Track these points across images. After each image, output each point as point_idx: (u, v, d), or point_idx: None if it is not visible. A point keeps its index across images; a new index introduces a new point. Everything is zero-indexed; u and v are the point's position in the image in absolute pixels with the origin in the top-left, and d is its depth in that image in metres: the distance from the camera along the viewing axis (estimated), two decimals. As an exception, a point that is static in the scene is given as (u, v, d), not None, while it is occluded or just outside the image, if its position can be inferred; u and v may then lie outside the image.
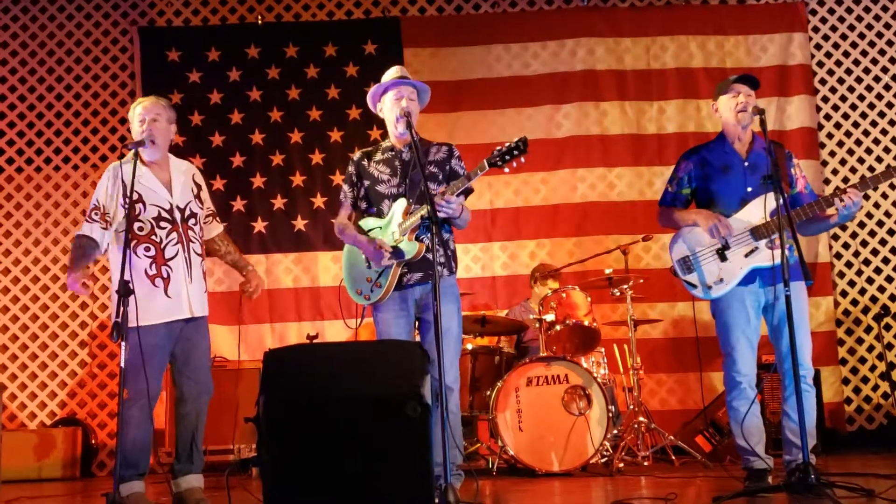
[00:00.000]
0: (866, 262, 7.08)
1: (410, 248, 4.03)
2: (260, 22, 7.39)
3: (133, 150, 3.97)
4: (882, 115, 7.23)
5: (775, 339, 4.05)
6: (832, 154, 7.22)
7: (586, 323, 5.61)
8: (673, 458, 5.57)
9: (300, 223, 7.12)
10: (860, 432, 6.83)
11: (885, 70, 7.28)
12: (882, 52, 7.29)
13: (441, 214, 3.89)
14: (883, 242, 7.08)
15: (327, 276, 7.03)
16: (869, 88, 7.27)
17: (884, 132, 7.21)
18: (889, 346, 6.91)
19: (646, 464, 5.53)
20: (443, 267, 4.10)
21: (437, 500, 3.05)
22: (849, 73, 7.29)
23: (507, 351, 5.92)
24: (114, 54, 7.28)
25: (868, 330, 6.98)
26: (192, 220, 4.15)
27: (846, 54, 7.32)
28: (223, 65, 7.28)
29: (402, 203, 4.12)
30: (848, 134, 7.23)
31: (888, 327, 6.96)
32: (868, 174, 6.96)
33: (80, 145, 7.15)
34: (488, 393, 5.52)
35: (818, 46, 7.34)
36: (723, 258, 4.08)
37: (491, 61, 7.32)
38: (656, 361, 6.81)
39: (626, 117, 7.26)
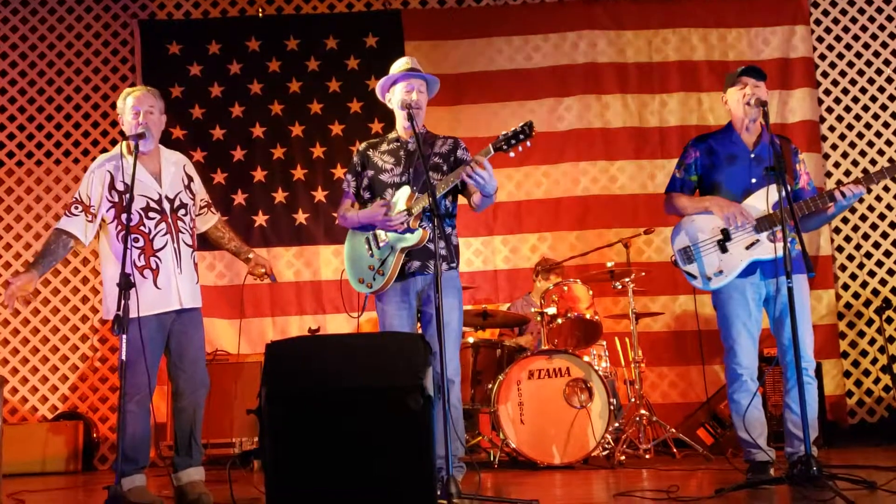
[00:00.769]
0: (868, 256, 7.07)
1: (414, 235, 4.02)
2: (260, 14, 7.38)
3: (133, 144, 3.94)
4: (884, 107, 7.21)
5: (777, 331, 4.04)
6: (834, 147, 7.20)
7: (588, 316, 5.61)
8: (674, 450, 5.57)
9: (301, 217, 7.12)
10: (862, 425, 6.83)
11: (887, 63, 7.26)
12: (884, 45, 7.27)
13: (474, 182, 3.86)
14: (885, 236, 7.07)
15: (329, 269, 7.03)
16: (871, 81, 7.25)
17: (886, 125, 7.19)
18: (891, 339, 6.90)
19: (647, 457, 5.54)
20: (443, 260, 4.10)
21: (438, 492, 3.05)
22: (851, 65, 7.27)
23: (508, 344, 5.92)
24: (114, 47, 7.27)
25: (870, 323, 6.98)
26: (181, 211, 4.12)
27: (848, 47, 7.30)
28: (224, 58, 7.27)
29: (405, 191, 4.11)
30: (850, 127, 7.22)
31: (890, 320, 6.95)
32: (870, 167, 7.01)
33: (80, 139, 7.14)
34: (490, 386, 5.52)
35: (820, 39, 7.32)
36: (723, 249, 4.07)
37: (493, 54, 7.30)
38: (658, 354, 6.81)
39: (628, 110, 7.24)
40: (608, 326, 6.22)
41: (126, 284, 3.55)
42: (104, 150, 7.00)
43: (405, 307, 4.13)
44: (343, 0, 7.46)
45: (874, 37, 7.29)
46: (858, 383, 6.93)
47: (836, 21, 7.33)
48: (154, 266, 3.99)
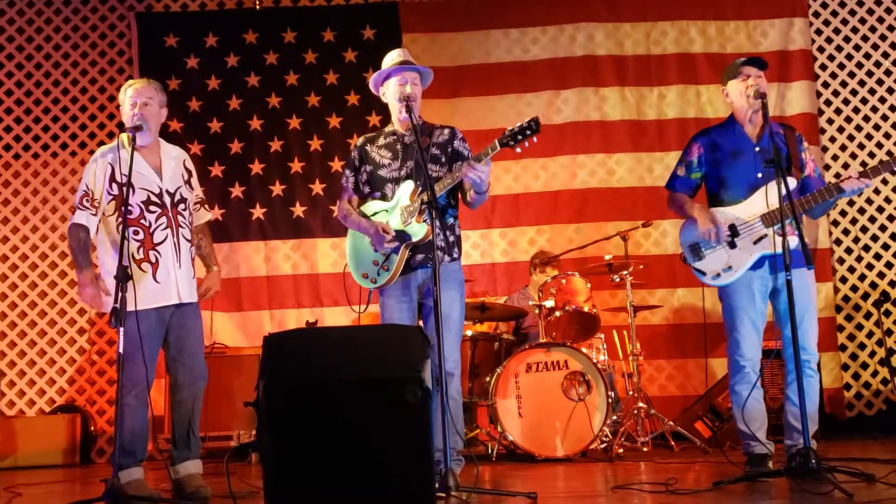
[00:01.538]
0: (866, 248, 7.06)
1: (419, 230, 4.01)
2: (258, 7, 7.35)
3: (129, 135, 3.92)
4: (883, 100, 7.20)
5: (782, 324, 4.02)
6: (832, 140, 7.19)
7: (586, 309, 5.61)
8: (672, 443, 5.58)
9: (299, 210, 7.10)
10: (859, 418, 6.84)
11: (885, 55, 7.24)
12: (883, 38, 7.26)
13: (471, 181, 3.87)
14: (883, 228, 7.07)
15: (326, 262, 7.02)
16: (870, 74, 7.24)
17: (884, 118, 7.18)
18: (888, 332, 6.91)
19: (645, 449, 5.54)
20: (444, 252, 4.09)
21: (437, 485, 3.05)
22: (849, 58, 7.26)
23: (506, 337, 5.92)
24: (111, 40, 7.24)
25: (867, 316, 6.98)
26: (181, 206, 4.11)
27: (847, 39, 7.28)
28: (221, 50, 7.24)
29: (409, 185, 4.10)
30: (848, 119, 7.21)
31: (888, 313, 6.95)
32: (868, 160, 7.01)
33: (77, 131, 7.12)
34: (488, 379, 5.52)
35: (819, 31, 7.30)
36: (732, 245, 4.06)
37: (490, 47, 7.29)
38: (656, 347, 6.80)
39: (626, 103, 7.23)
40: (606, 319, 6.22)
41: (123, 277, 3.54)
42: (101, 143, 6.98)
43: (406, 300, 4.12)
44: (341, -8, 7.44)
45: (873, 29, 7.28)
46: (856, 376, 6.94)
47: (834, 13, 7.31)
48: (153, 260, 3.98)
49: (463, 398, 5.30)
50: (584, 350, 5.51)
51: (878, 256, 7.05)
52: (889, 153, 7.05)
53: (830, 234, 7.06)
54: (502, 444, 5.43)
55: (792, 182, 3.97)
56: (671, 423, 5.64)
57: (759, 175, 4.05)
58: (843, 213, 7.07)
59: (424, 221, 4.00)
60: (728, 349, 4.12)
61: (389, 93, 4.20)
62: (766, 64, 4.17)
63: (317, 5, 7.42)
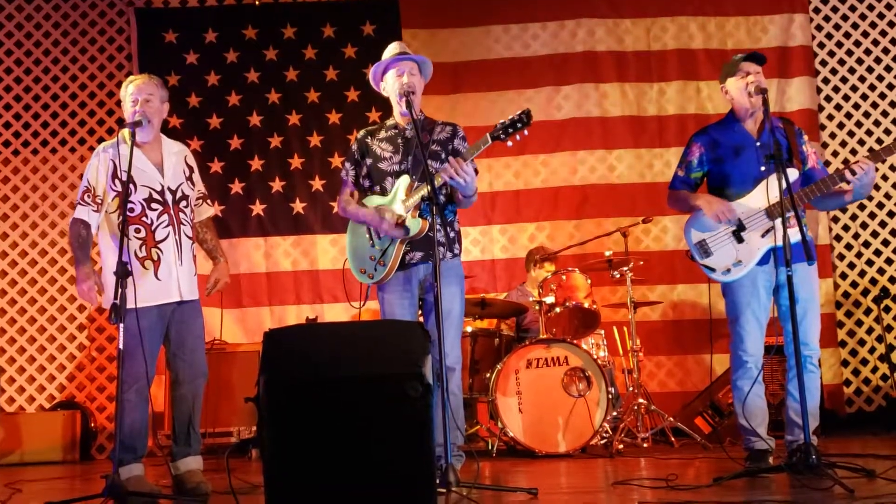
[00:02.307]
0: (866, 245, 7.07)
1: (414, 225, 4.00)
2: (257, 2, 7.34)
3: (129, 131, 3.91)
4: (883, 96, 7.20)
5: (784, 320, 4.01)
6: (832, 136, 7.19)
7: (586, 305, 5.61)
8: (672, 439, 5.58)
9: (299, 206, 7.10)
10: (859, 414, 6.84)
11: (885, 51, 7.24)
12: (883, 34, 7.25)
13: (455, 184, 3.85)
14: (883, 224, 7.07)
15: (326, 258, 7.02)
16: (870, 70, 7.23)
17: (884, 114, 7.18)
18: (888, 328, 6.91)
19: (645, 445, 5.54)
20: (445, 248, 4.08)
21: (437, 481, 3.04)
22: (849, 54, 7.26)
23: (506, 333, 5.92)
24: (110, 35, 7.23)
25: (867, 312, 6.98)
26: (183, 203, 4.11)
27: (847, 35, 7.27)
28: (220, 46, 7.24)
29: (405, 180, 4.09)
30: (848, 116, 7.20)
31: (887, 309, 6.95)
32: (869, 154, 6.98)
33: (76, 127, 7.11)
34: (488, 375, 5.52)
35: (819, 27, 7.30)
36: (739, 240, 4.05)
37: (490, 42, 7.28)
38: (656, 343, 6.81)
39: (627, 99, 7.22)
40: (606, 315, 6.22)
41: (123, 273, 3.53)
42: (101, 139, 6.97)
43: (407, 296, 4.11)
44: (340, -12, 7.43)
45: (873, 25, 7.27)
46: (856, 372, 6.94)
47: (834, 9, 7.30)
48: (155, 257, 3.97)
49: (463, 394, 5.31)
50: (584, 346, 5.51)
51: (877, 252, 7.05)
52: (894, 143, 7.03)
53: (830, 230, 7.06)
54: (503, 439, 5.43)
55: (793, 174, 3.96)
56: (671, 418, 5.64)
57: (763, 169, 4.04)
58: (843, 210, 7.07)
59: (420, 216, 3.99)
60: (731, 344, 4.11)
61: (388, 86, 4.19)
62: (764, 59, 4.16)
63: (316, 1, 7.40)
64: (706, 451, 5.26)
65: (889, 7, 7.27)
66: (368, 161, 4.23)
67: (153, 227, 3.99)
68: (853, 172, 3.87)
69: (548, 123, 7.11)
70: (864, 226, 7.08)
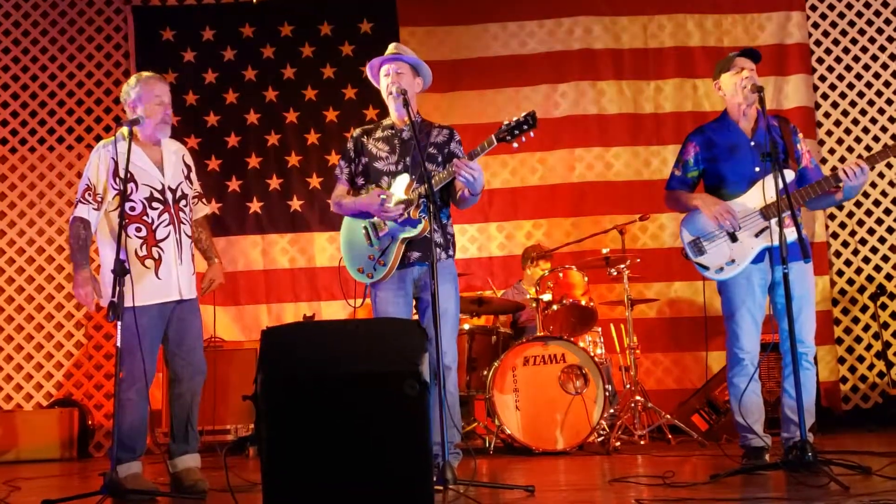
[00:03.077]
0: (862, 242, 7.08)
1: (417, 226, 4.00)
2: (255, 0, 7.33)
3: (128, 129, 3.91)
4: (879, 94, 7.21)
5: (780, 317, 4.03)
6: (829, 133, 7.20)
7: (583, 303, 5.61)
8: (669, 436, 5.59)
9: (296, 203, 7.10)
10: (855, 411, 6.86)
11: (882, 49, 7.24)
12: (880, 31, 7.26)
13: (463, 180, 3.84)
14: (879, 222, 7.08)
15: (324, 256, 7.02)
16: (866, 67, 7.24)
17: (881, 111, 7.19)
18: (885, 326, 6.92)
19: (642, 443, 5.55)
20: (441, 249, 4.09)
21: (434, 478, 3.05)
22: (846, 51, 7.26)
23: (503, 331, 5.93)
24: (108, 33, 7.23)
25: (864, 309, 7.00)
26: (182, 202, 4.11)
27: (844, 33, 7.28)
28: (217, 44, 7.23)
29: (404, 179, 4.09)
30: (845, 113, 7.21)
31: (884, 306, 6.97)
32: (865, 154, 7.00)
33: (74, 125, 7.11)
34: (485, 372, 5.53)
35: (815, 25, 7.30)
36: (733, 239, 4.05)
37: (488, 40, 7.28)
38: (653, 341, 6.82)
39: (624, 96, 7.23)
40: (603, 313, 6.22)
41: (121, 271, 3.54)
42: (98, 137, 6.97)
43: (402, 295, 4.12)
44: (337, -14, 7.42)
45: (870, 23, 7.27)
46: (853, 369, 6.96)
47: (831, 7, 7.31)
48: (156, 256, 3.98)
49: (461, 392, 5.31)
50: (581, 343, 5.52)
51: (874, 250, 7.06)
52: (886, 146, 7.04)
53: (827, 227, 7.07)
54: (500, 437, 5.44)
55: (789, 174, 3.97)
56: (668, 416, 5.65)
57: (757, 169, 4.05)
58: (840, 207, 7.08)
59: (421, 217, 4.00)
60: (727, 342, 4.12)
61: (382, 86, 4.21)
62: (759, 56, 4.17)
63: (314, -1, 7.40)
64: (703, 448, 5.27)
65: (885, 4, 7.27)
66: (364, 160, 4.23)
67: (154, 227, 3.99)
68: (846, 174, 3.88)
69: (545, 121, 7.07)
70: (860, 223, 7.09)
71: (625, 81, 7.24)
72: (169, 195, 4.05)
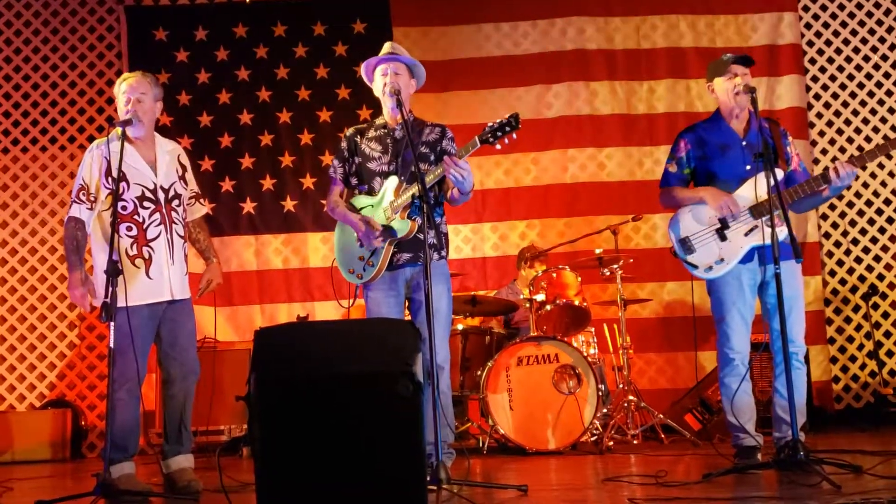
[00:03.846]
0: (855, 242, 7.10)
1: (402, 227, 4.01)
2: (248, 0, 7.32)
3: (120, 129, 3.91)
4: (871, 94, 7.24)
5: (770, 317, 4.04)
6: (821, 134, 7.22)
7: (577, 303, 5.62)
8: (662, 436, 5.60)
9: (289, 204, 7.10)
10: (848, 410, 6.88)
11: (874, 49, 7.27)
12: (872, 32, 7.29)
13: (452, 178, 3.85)
14: (871, 222, 7.11)
15: (317, 257, 7.02)
16: (858, 68, 7.27)
17: (873, 112, 7.22)
18: (877, 325, 6.95)
19: (635, 442, 5.56)
20: (433, 250, 4.09)
21: (428, 478, 3.06)
22: (838, 52, 7.29)
23: (497, 331, 5.93)
24: (100, 33, 7.21)
25: (856, 309, 7.02)
26: (175, 202, 4.10)
27: (836, 34, 7.31)
28: (210, 44, 7.23)
29: (393, 181, 4.10)
30: (837, 114, 7.24)
31: (876, 306, 6.99)
32: (857, 153, 7.03)
33: (66, 125, 7.09)
34: (479, 373, 5.53)
35: (808, 26, 7.33)
36: (723, 237, 4.07)
37: (481, 40, 7.29)
38: (646, 341, 6.83)
39: (617, 97, 7.24)
40: (597, 313, 6.23)
41: (113, 272, 3.53)
42: (91, 137, 6.96)
43: (394, 295, 4.12)
44: (331, -14, 7.42)
45: (862, 24, 7.30)
46: (845, 369, 6.98)
47: (823, 8, 7.34)
48: (147, 256, 3.96)
49: (454, 392, 5.33)
50: (574, 343, 5.53)
51: (866, 250, 7.09)
52: (877, 145, 7.07)
53: (819, 227, 7.10)
54: (493, 437, 5.45)
55: (779, 174, 3.98)
56: (661, 415, 5.67)
57: (748, 168, 4.06)
58: (832, 207, 7.11)
59: (409, 217, 4.00)
60: (717, 342, 4.13)
61: (376, 86, 4.21)
62: (752, 62, 4.18)
63: (307, -1, 7.40)
64: (696, 447, 5.28)
65: (877, 6, 7.30)
66: (357, 160, 4.24)
67: (145, 226, 3.98)
68: (837, 174, 3.89)
69: (538, 122, 7.12)
70: (852, 223, 7.12)
71: (618, 82, 7.26)
72: (161, 195, 4.04)
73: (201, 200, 4.36)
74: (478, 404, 5.55)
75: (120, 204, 3.88)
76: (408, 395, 2.75)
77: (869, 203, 7.13)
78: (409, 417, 2.78)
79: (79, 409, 6.63)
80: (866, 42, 7.28)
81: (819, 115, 7.24)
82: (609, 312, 6.47)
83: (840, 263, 7.09)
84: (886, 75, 7.23)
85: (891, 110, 7.20)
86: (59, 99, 7.11)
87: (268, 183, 7.11)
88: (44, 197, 6.98)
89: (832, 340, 7.00)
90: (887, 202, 7.11)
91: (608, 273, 5.87)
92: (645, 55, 7.28)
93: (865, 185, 7.13)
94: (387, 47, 4.25)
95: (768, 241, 3.70)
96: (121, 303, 3.66)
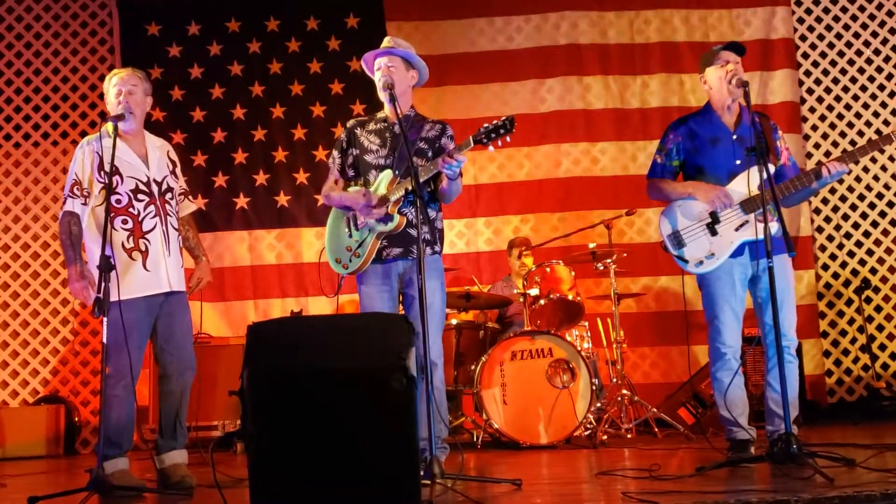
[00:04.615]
0: (847, 236, 7.12)
1: (391, 221, 4.01)
2: (240, -6, 7.31)
3: (112, 124, 3.90)
4: (864, 89, 7.25)
5: (761, 311, 4.05)
6: (814, 128, 7.24)
7: (570, 297, 5.63)
8: (656, 430, 5.61)
9: (283, 199, 7.09)
10: (840, 404, 6.90)
11: (867, 44, 7.28)
12: (864, 26, 7.30)
13: (446, 170, 3.86)
14: (864, 216, 7.12)
15: (311, 251, 7.01)
16: (851, 63, 7.28)
17: (865, 106, 7.23)
18: (869, 319, 6.97)
19: (629, 436, 5.57)
20: (427, 244, 4.08)
21: (422, 473, 3.06)
22: (831, 46, 7.30)
23: (491, 325, 5.94)
24: (92, 28, 7.19)
25: (849, 303, 7.04)
26: (168, 195, 4.10)
27: (829, 28, 7.32)
28: (203, 38, 7.21)
29: (387, 175, 4.09)
30: (830, 108, 7.25)
31: (868, 300, 7.01)
32: (850, 148, 7.03)
33: (59, 121, 7.07)
34: (473, 367, 5.54)
35: (801, 20, 7.34)
36: (713, 232, 4.07)
37: (474, 35, 7.28)
38: (639, 335, 6.84)
39: (610, 92, 7.24)
40: (590, 307, 6.24)
41: (106, 267, 3.52)
42: (83, 133, 6.93)
43: (386, 289, 4.12)
44: (324, -20, 7.39)
45: (854, 18, 7.31)
46: (838, 363, 7.00)
47: (816, 2, 7.34)
48: (143, 248, 3.96)
49: (448, 386, 5.32)
50: (568, 338, 5.54)
51: (859, 244, 7.11)
52: (869, 140, 7.08)
53: (812, 222, 7.11)
54: (487, 431, 5.45)
55: (770, 169, 3.98)
56: (654, 409, 5.68)
57: (738, 162, 4.06)
58: (825, 202, 7.13)
59: (398, 213, 4.00)
60: (709, 337, 4.14)
61: (376, 80, 4.20)
62: (744, 49, 4.17)
63: (300, -7, 7.37)
64: (689, 441, 5.30)
65: (870, 0, 7.31)
66: (355, 151, 4.24)
67: (140, 218, 3.98)
68: (829, 171, 3.90)
69: (531, 116, 7.12)
70: (845, 217, 7.13)
71: (611, 77, 7.26)
72: (154, 188, 4.04)
73: (189, 197, 4.37)
74: (472, 399, 5.56)
75: (114, 197, 3.88)
76: (401, 390, 2.76)
77: (861, 197, 7.14)
78: (402, 412, 2.78)
79: (72, 406, 6.62)
80: (858, 36, 7.29)
81: (812, 110, 7.25)
82: (602, 307, 6.48)
83: (833, 257, 7.11)
84: (879, 69, 7.24)
85: (883, 104, 7.21)
86: (51, 94, 7.08)
87: (261, 178, 7.10)
88: (36, 192, 6.96)
89: (825, 334, 7.02)
90: (879, 196, 7.12)
91: (602, 267, 5.88)
92: (638, 50, 7.29)
93: (858, 180, 7.15)
94: (385, 41, 4.25)
95: (760, 236, 3.70)
96: (115, 297, 3.65)
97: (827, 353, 6.99)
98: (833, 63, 7.28)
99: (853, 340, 7.00)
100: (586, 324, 5.99)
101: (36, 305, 6.85)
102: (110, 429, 3.77)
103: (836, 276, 7.09)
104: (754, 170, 3.83)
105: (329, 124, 7.08)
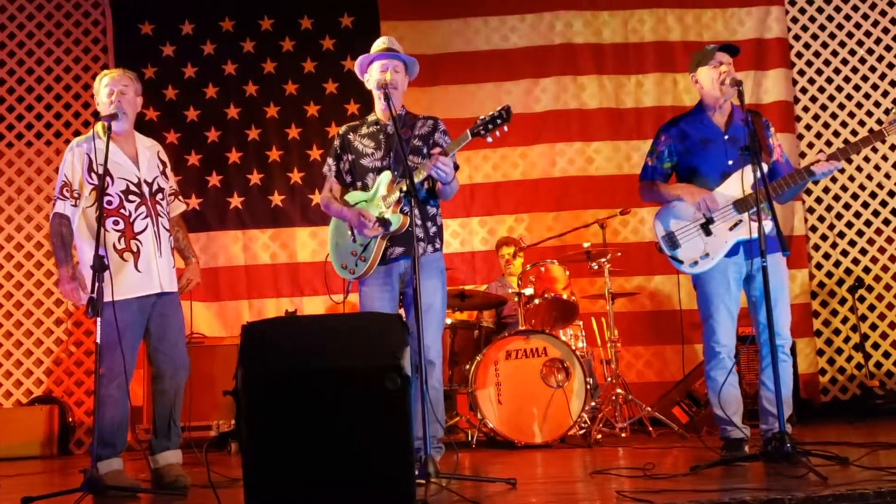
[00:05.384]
0: (841, 235, 7.13)
1: (395, 220, 4.00)
2: (234, -7, 7.29)
3: (105, 124, 3.88)
4: (857, 88, 7.26)
5: (755, 310, 4.06)
6: (808, 128, 7.25)
7: (565, 296, 5.63)
8: (650, 429, 5.62)
9: (277, 198, 7.08)
10: (834, 403, 6.92)
11: (860, 43, 7.30)
12: (858, 26, 7.31)
13: (435, 174, 3.85)
14: (857, 215, 7.14)
15: (305, 251, 7.00)
16: (845, 62, 7.29)
17: (859, 105, 7.24)
18: (863, 318, 6.99)
19: (623, 435, 5.57)
20: (426, 242, 4.08)
21: (417, 472, 3.06)
22: (825, 46, 7.31)
23: (486, 325, 5.94)
24: (85, 27, 7.17)
25: (842, 302, 7.06)
26: (159, 195, 4.10)
27: (822, 28, 7.33)
28: (197, 38, 7.19)
29: (386, 176, 4.09)
30: (823, 108, 7.26)
31: (862, 299, 7.03)
32: (842, 147, 7.05)
33: (52, 120, 7.05)
34: (468, 367, 5.54)
35: (794, 20, 7.35)
36: (707, 232, 4.07)
37: (469, 35, 7.28)
38: (633, 334, 6.85)
39: (604, 91, 7.25)
40: (585, 306, 6.25)
41: (100, 266, 3.52)
42: (76, 132, 6.92)
43: (387, 289, 4.11)
44: (318, -21, 7.38)
45: (848, 18, 7.33)
46: (831, 361, 7.02)
47: (810, 2, 7.36)
48: (135, 249, 3.96)
49: (443, 386, 5.32)
50: (562, 337, 5.54)
51: (852, 243, 7.12)
52: (862, 137, 7.10)
53: (806, 220, 7.13)
54: (482, 431, 5.46)
55: (763, 167, 3.99)
56: (649, 408, 5.68)
57: (730, 162, 4.06)
58: (819, 201, 7.14)
59: (401, 212, 4.00)
60: (703, 336, 4.14)
61: (371, 79, 4.19)
62: (737, 50, 4.18)
63: (294, -8, 7.36)
64: (683, 440, 5.30)
65: (863, 0, 7.32)
66: (350, 157, 4.23)
67: (131, 219, 3.97)
68: (822, 169, 3.91)
69: (526, 116, 7.12)
70: (839, 216, 7.14)
71: (605, 76, 7.26)
72: (145, 188, 4.04)
73: (180, 198, 4.36)
74: (466, 398, 5.55)
75: (105, 198, 3.88)
76: (395, 389, 2.76)
77: (855, 196, 7.16)
78: (396, 411, 2.78)
79: (66, 406, 6.60)
80: (852, 36, 7.31)
81: (806, 109, 7.27)
82: (597, 306, 6.48)
83: (826, 256, 7.12)
84: (872, 69, 7.25)
85: (876, 104, 7.23)
86: (44, 94, 7.06)
87: (255, 177, 7.09)
88: (30, 192, 6.94)
89: (819, 333, 7.03)
90: (873, 195, 7.14)
91: (596, 267, 5.88)
92: (633, 49, 7.29)
93: (851, 179, 7.16)
94: (384, 42, 4.23)
95: (754, 235, 3.71)
96: (108, 298, 3.65)
97: (821, 352, 7.00)
98: (827, 62, 7.29)
99: (847, 339, 7.01)
100: (581, 323, 6.00)
101: (29, 306, 6.83)
102: (104, 429, 3.77)
103: (829, 274, 7.11)
104: (748, 169, 3.83)
105: (323, 124, 7.07)
